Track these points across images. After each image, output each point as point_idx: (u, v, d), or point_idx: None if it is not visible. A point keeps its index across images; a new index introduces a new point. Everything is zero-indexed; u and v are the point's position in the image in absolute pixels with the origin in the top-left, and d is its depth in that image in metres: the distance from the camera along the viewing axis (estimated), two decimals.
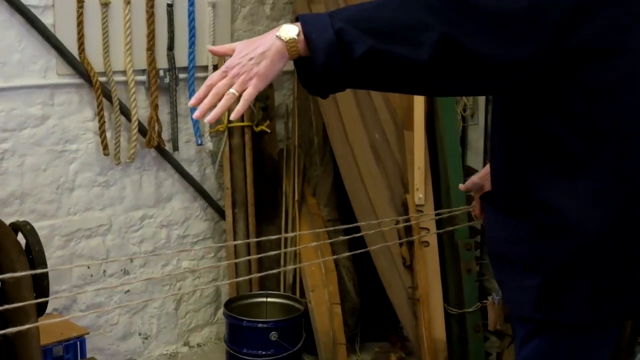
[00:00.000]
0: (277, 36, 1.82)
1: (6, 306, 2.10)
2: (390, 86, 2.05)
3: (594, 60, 1.98)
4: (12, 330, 2.18)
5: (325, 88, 1.92)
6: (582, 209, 2.06)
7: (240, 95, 1.83)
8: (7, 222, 3.31)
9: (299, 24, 1.83)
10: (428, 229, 3.95)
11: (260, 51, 1.83)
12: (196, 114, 1.89)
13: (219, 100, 1.84)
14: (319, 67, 1.81)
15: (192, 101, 1.87)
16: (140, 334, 4.41)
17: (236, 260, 4.26)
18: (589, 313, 2.12)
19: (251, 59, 1.83)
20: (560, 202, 2.06)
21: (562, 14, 1.90)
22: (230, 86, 1.83)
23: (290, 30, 1.82)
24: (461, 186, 2.83)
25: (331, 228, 4.27)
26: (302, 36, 1.81)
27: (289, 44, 1.82)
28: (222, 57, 4.21)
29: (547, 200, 2.08)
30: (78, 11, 3.87)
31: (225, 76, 1.83)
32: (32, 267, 3.15)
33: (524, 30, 1.90)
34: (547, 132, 2.06)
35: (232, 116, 1.90)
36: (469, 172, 4.19)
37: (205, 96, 1.85)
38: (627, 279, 2.13)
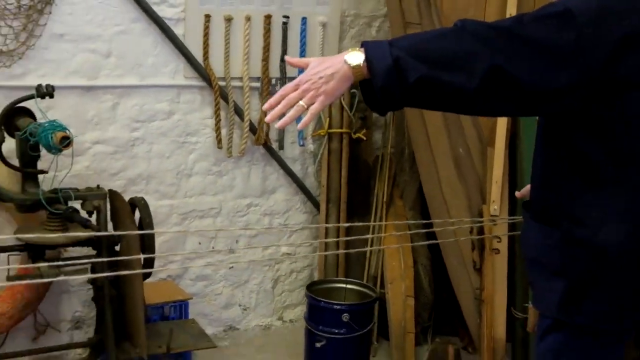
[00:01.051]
0: (345, 60, 1.87)
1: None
2: (440, 107, 2.10)
3: (632, 92, 1.96)
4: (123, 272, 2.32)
5: (383, 107, 1.96)
6: (608, 224, 2.04)
7: (308, 108, 1.89)
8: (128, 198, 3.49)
9: (363, 49, 1.88)
10: (499, 238, 3.90)
11: (330, 72, 1.88)
12: (267, 119, 1.96)
13: (289, 109, 1.90)
14: (377, 90, 1.86)
15: (266, 106, 1.94)
16: (240, 305, 4.48)
17: (326, 253, 4.35)
18: (609, 321, 2.10)
19: (321, 77, 1.88)
20: (588, 215, 2.05)
21: (605, 49, 1.88)
22: (300, 99, 1.88)
23: (356, 57, 1.87)
24: (517, 193, 2.82)
25: (413, 230, 4.26)
26: (365, 62, 1.86)
27: (355, 69, 1.87)
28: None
29: (576, 213, 2.07)
30: (205, 24, 3.98)
31: (297, 89, 1.89)
32: (141, 235, 3.27)
33: (570, 62, 1.89)
34: (581, 150, 2.04)
35: (299, 126, 1.99)
36: None
37: (277, 104, 1.91)
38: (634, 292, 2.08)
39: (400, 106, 1.94)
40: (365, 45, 1.89)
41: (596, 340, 2.14)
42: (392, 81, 1.85)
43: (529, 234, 2.23)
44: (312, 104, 1.88)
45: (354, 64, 1.87)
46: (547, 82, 1.90)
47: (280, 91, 1.90)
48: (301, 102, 1.88)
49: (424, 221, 4.23)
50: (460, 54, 1.88)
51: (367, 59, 1.86)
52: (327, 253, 4.38)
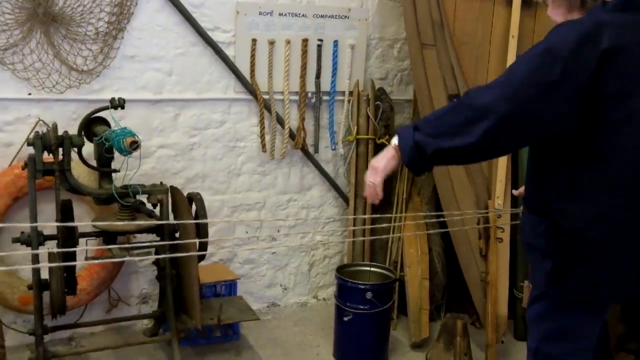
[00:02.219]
0: (392, 143, 2.24)
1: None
2: (461, 163, 2.33)
3: (607, 102, 2.02)
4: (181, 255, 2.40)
5: (415, 173, 2.47)
6: (587, 217, 2.12)
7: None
8: (187, 193, 3.54)
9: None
10: (503, 228, 3.93)
11: (383, 155, 2.27)
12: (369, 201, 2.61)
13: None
14: (405, 163, 2.17)
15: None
16: (281, 285, 4.51)
17: (355, 239, 4.36)
18: (586, 294, 2.19)
19: (379, 160, 2.29)
20: (571, 210, 2.14)
21: (588, 70, 1.97)
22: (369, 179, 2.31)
23: (394, 140, 2.21)
24: (514, 192, 2.90)
25: (428, 222, 4.29)
26: (397, 144, 2.21)
27: (395, 149, 2.19)
28: (355, 86, 4.37)
29: (562, 207, 2.16)
30: (252, 47, 4.01)
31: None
32: (197, 224, 3.31)
33: (559, 91, 1.99)
34: (565, 157, 2.13)
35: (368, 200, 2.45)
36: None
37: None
38: (619, 272, 2.15)
39: (428, 169, 2.23)
40: (397, 131, 2.25)
41: (572, 309, 2.23)
42: (415, 156, 2.15)
43: (525, 223, 2.32)
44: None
45: (394, 144, 2.22)
46: (544, 115, 2.02)
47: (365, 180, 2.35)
48: (370, 181, 2.30)
49: (438, 213, 4.24)
50: (461, 122, 2.09)
51: (397, 143, 2.20)
52: (354, 239, 4.40)
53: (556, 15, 2.27)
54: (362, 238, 4.38)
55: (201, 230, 3.37)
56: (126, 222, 3.23)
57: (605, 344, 2.59)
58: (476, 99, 2.08)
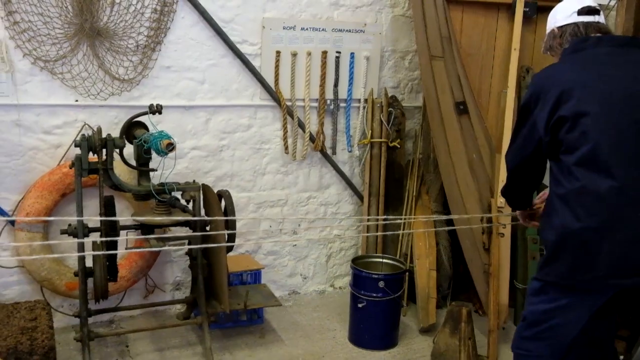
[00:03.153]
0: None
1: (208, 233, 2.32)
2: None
3: (565, 124, 2.24)
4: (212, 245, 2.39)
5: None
6: (568, 216, 2.26)
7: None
8: (217, 190, 3.53)
9: None
10: (504, 224, 3.90)
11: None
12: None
13: None
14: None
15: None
16: (301, 275, 4.50)
17: (369, 234, 4.35)
18: (567, 278, 2.31)
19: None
20: (560, 209, 2.30)
21: (548, 113, 2.27)
22: None
23: None
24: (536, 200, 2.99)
25: (436, 218, 4.29)
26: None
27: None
28: (370, 94, 4.37)
29: (554, 208, 2.33)
30: (276, 59, 4.01)
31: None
32: (226, 218, 3.32)
33: (535, 132, 2.35)
34: (551, 169, 2.38)
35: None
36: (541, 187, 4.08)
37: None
38: (595, 260, 2.23)
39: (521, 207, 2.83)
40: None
41: (557, 288, 2.36)
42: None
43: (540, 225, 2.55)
44: None
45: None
46: (530, 150, 2.41)
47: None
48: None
49: (445, 211, 4.24)
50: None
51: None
52: (368, 234, 4.40)
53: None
54: (375, 233, 4.36)
55: (230, 224, 3.38)
56: (162, 217, 3.24)
57: (607, 339, 2.67)
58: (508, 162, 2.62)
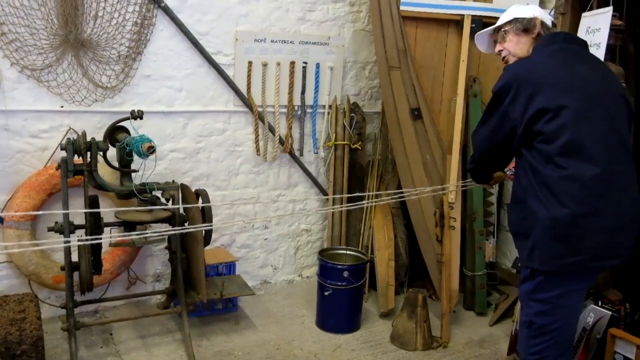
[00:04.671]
0: None
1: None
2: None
3: (542, 117, 2.16)
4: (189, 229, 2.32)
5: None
6: (553, 207, 2.18)
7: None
8: (194, 189, 3.49)
9: None
10: (455, 218, 3.94)
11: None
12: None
13: None
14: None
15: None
16: (272, 266, 4.47)
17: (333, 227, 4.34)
18: (550, 265, 2.23)
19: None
20: (544, 200, 2.21)
21: (522, 107, 2.20)
22: None
23: None
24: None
25: (394, 213, 4.29)
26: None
27: None
28: (334, 101, 4.36)
29: (537, 199, 2.23)
30: (248, 68, 3.99)
31: None
32: (203, 215, 3.29)
33: (505, 123, 2.28)
34: (531, 162, 2.25)
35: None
36: None
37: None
38: (574, 248, 2.19)
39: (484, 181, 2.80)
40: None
41: (542, 274, 2.28)
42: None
43: (511, 214, 2.42)
44: None
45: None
46: (505, 138, 2.31)
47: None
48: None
49: (402, 207, 4.27)
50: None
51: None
52: (333, 228, 4.40)
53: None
54: (339, 227, 4.37)
55: (206, 220, 3.33)
56: (144, 214, 3.20)
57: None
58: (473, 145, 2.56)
